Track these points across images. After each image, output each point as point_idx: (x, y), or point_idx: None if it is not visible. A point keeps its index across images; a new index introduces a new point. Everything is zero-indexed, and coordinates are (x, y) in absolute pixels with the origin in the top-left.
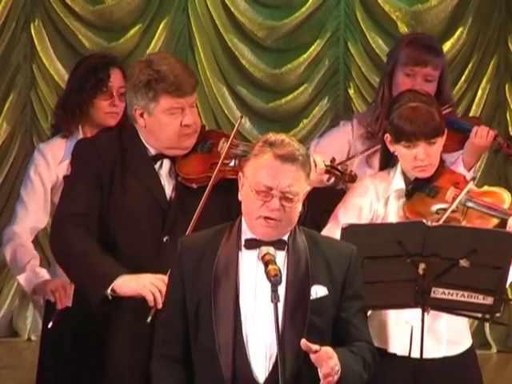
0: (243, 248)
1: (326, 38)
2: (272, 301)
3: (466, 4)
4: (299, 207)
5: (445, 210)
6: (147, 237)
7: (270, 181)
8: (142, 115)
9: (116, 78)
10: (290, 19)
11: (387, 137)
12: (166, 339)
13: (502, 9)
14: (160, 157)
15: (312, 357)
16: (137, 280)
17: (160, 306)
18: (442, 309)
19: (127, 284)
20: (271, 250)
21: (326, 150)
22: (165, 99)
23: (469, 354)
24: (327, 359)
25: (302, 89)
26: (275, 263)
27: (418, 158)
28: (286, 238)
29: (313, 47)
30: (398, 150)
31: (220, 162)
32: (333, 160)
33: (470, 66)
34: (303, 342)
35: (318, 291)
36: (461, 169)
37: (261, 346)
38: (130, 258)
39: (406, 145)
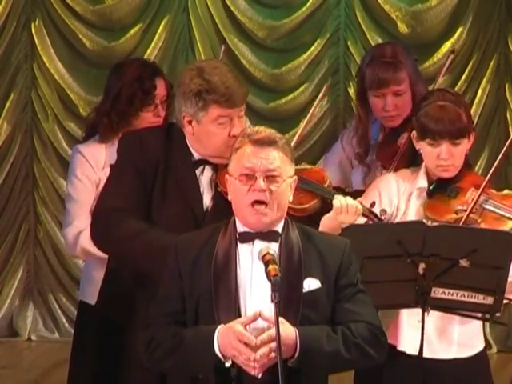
0: (238, 242)
1: (326, 38)
2: (272, 300)
3: (466, 4)
4: (287, 192)
5: (464, 210)
6: None
7: (251, 162)
8: (190, 122)
9: (161, 89)
10: (290, 19)
11: (413, 134)
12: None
13: (501, 9)
14: (203, 162)
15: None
16: None
17: None
18: (442, 309)
19: None
20: (271, 249)
21: (333, 175)
22: (214, 109)
23: (480, 357)
24: (268, 342)
25: (302, 89)
26: (275, 263)
27: (440, 156)
28: (279, 229)
29: (313, 47)
30: (423, 147)
31: None
32: (372, 204)
33: (469, 66)
34: (262, 313)
35: (311, 284)
36: None
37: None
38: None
39: (431, 142)
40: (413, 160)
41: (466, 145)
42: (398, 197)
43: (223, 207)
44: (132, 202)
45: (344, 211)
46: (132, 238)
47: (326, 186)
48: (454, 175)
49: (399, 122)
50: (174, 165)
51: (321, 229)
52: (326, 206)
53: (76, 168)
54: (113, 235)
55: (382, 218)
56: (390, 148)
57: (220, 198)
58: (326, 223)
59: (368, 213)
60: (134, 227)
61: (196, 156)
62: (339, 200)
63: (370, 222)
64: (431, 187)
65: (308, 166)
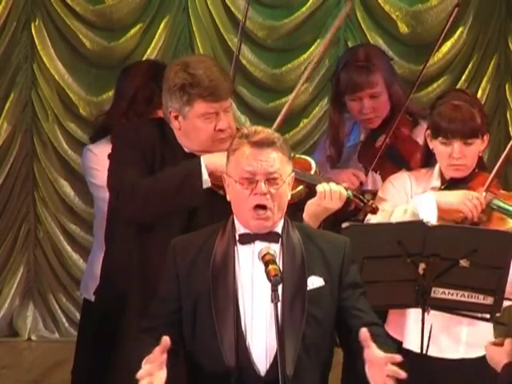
0: (238, 243)
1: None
2: (272, 301)
3: (466, 4)
4: (287, 192)
5: None
6: (172, 236)
7: (252, 166)
8: (176, 118)
9: None
10: (290, 19)
11: (428, 133)
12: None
13: (502, 9)
14: (192, 157)
15: (365, 352)
16: None
17: None
18: (443, 309)
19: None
20: (271, 249)
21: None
22: (199, 104)
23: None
24: (383, 365)
25: (302, 89)
26: (275, 263)
27: (452, 155)
28: (279, 230)
29: (313, 47)
30: (435, 146)
31: None
32: (359, 186)
33: (470, 66)
34: (363, 331)
35: (315, 282)
36: None
37: (260, 340)
38: (150, 255)
39: (443, 141)
40: (428, 160)
41: (478, 145)
42: (412, 195)
43: (214, 200)
44: (142, 169)
45: (328, 197)
46: (149, 192)
47: (311, 172)
48: (466, 175)
49: (378, 124)
50: (168, 158)
51: (305, 214)
52: (313, 194)
53: (91, 162)
54: (135, 199)
55: (365, 201)
56: (369, 150)
57: (210, 191)
58: (310, 209)
59: (353, 197)
60: (145, 182)
61: (185, 151)
62: (323, 186)
63: (354, 205)
64: (443, 187)
65: (295, 155)
